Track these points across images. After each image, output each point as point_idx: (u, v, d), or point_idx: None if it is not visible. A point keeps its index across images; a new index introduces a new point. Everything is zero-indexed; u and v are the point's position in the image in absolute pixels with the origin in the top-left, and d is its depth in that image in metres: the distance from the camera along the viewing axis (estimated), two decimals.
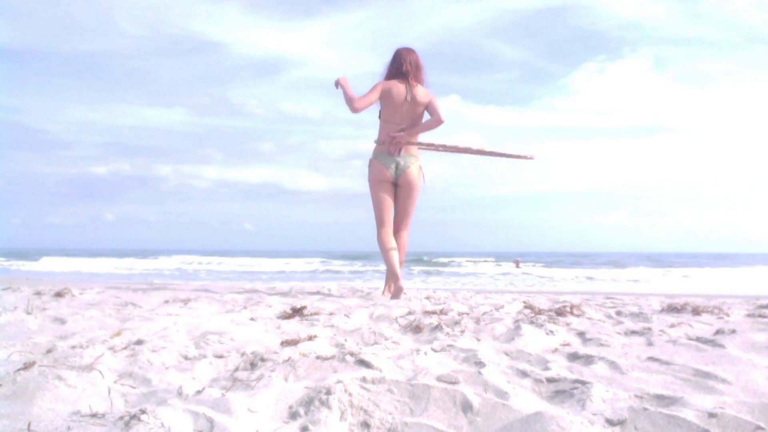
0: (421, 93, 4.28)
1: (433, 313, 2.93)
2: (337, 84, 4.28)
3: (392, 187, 4.33)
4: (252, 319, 2.78)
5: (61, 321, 2.73)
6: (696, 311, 3.07)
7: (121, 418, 1.22)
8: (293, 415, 1.35)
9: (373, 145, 4.40)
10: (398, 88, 4.25)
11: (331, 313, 2.93)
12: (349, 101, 4.17)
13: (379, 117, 4.35)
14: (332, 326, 2.56)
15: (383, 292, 4.37)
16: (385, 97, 4.25)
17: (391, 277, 4.26)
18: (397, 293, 4.08)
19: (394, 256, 4.25)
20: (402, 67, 4.27)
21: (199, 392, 1.46)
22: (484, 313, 3.00)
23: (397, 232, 4.37)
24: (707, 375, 1.67)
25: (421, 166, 4.36)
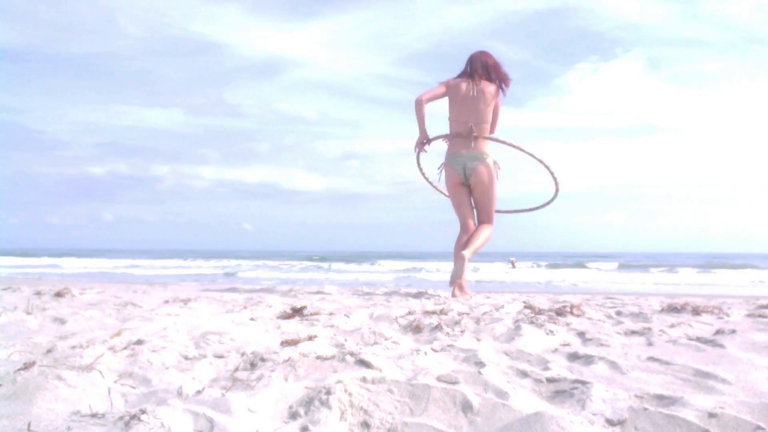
0: (484, 88, 4.42)
1: (433, 313, 2.93)
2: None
3: (466, 188, 4.53)
4: (252, 319, 2.78)
5: (61, 321, 2.73)
6: (696, 311, 3.07)
7: (121, 418, 1.22)
8: (293, 415, 1.35)
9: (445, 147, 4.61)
10: (462, 85, 4.40)
11: (331, 313, 2.93)
12: (418, 104, 4.40)
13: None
14: (332, 326, 2.56)
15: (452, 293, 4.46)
16: (450, 94, 4.41)
17: (453, 280, 4.44)
18: (455, 294, 4.30)
19: (461, 264, 4.43)
20: (469, 66, 4.46)
21: (199, 392, 1.46)
22: (484, 313, 3.00)
23: (477, 225, 4.61)
24: (707, 375, 1.67)
25: (495, 161, 4.51)
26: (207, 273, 17.80)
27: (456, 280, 4.32)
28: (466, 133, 4.36)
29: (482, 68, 4.42)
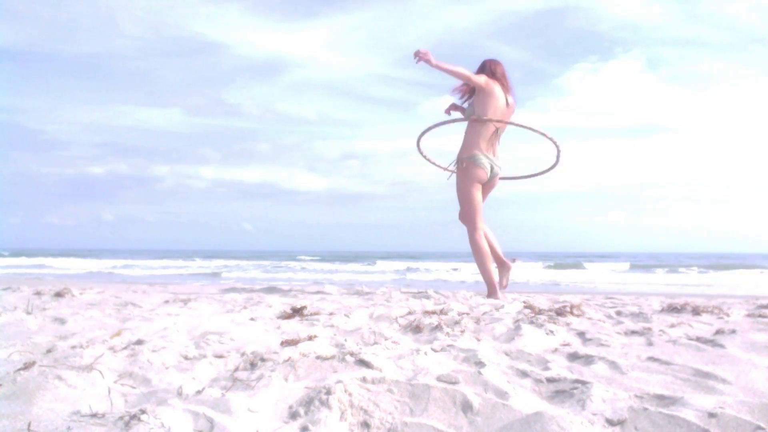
0: (512, 102, 4.48)
1: (433, 313, 2.93)
2: (422, 59, 4.24)
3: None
4: (252, 319, 2.78)
5: (61, 321, 2.73)
6: (696, 311, 3.07)
7: (121, 418, 1.22)
8: (293, 415, 1.35)
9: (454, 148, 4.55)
10: (499, 90, 4.38)
11: (331, 313, 2.93)
12: (463, 76, 4.26)
13: (470, 116, 4.45)
14: (332, 326, 2.56)
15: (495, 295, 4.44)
16: (488, 93, 4.34)
17: (489, 287, 4.41)
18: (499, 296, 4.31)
19: (491, 263, 4.44)
20: (495, 74, 4.42)
21: (199, 392, 1.46)
22: (484, 313, 3.00)
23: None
24: (707, 375, 1.67)
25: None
26: (206, 273, 17.78)
27: (495, 293, 4.37)
28: (495, 136, 4.42)
29: (504, 79, 4.47)
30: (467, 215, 4.45)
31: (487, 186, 4.50)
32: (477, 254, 4.43)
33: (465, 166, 4.39)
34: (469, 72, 4.27)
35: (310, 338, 2.07)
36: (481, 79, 4.30)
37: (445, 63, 4.22)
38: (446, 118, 4.59)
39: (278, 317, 2.84)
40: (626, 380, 1.65)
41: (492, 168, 4.41)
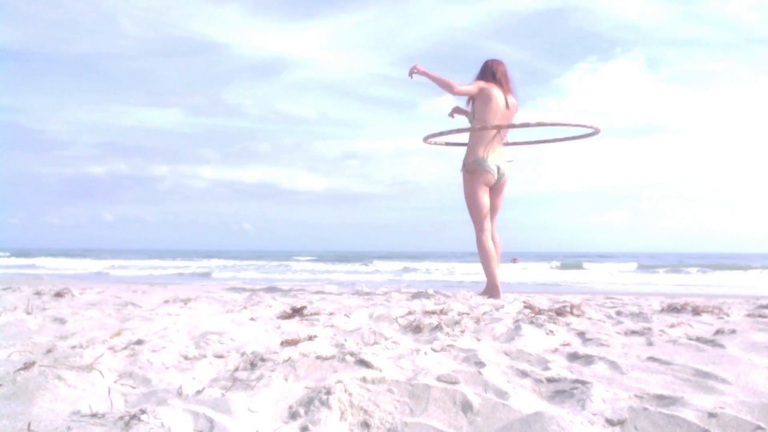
0: (513, 102, 4.47)
1: (433, 313, 2.93)
2: (414, 72, 4.31)
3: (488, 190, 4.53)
4: (252, 319, 2.79)
5: (61, 321, 2.73)
6: (696, 311, 3.07)
7: (121, 418, 1.22)
8: (293, 415, 1.35)
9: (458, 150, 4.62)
10: (497, 92, 4.37)
11: (331, 313, 2.93)
12: (446, 85, 4.23)
13: (472, 118, 4.47)
14: (332, 326, 2.56)
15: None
16: (485, 98, 4.34)
17: (492, 288, 4.38)
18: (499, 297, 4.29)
19: (496, 264, 4.42)
20: (495, 75, 4.42)
21: (199, 392, 1.46)
22: (484, 313, 3.00)
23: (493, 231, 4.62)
24: (707, 375, 1.67)
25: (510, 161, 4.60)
26: (205, 273, 17.76)
27: (497, 295, 4.34)
28: (498, 136, 4.41)
29: (505, 79, 4.47)
30: (473, 217, 4.46)
31: (497, 187, 4.50)
32: (482, 255, 4.44)
33: (471, 170, 4.39)
34: (456, 83, 4.25)
35: (310, 338, 2.07)
36: (472, 88, 4.32)
37: (433, 72, 4.24)
38: (454, 126, 4.45)
39: (278, 317, 2.85)
40: (626, 380, 1.65)
41: (499, 169, 4.41)
